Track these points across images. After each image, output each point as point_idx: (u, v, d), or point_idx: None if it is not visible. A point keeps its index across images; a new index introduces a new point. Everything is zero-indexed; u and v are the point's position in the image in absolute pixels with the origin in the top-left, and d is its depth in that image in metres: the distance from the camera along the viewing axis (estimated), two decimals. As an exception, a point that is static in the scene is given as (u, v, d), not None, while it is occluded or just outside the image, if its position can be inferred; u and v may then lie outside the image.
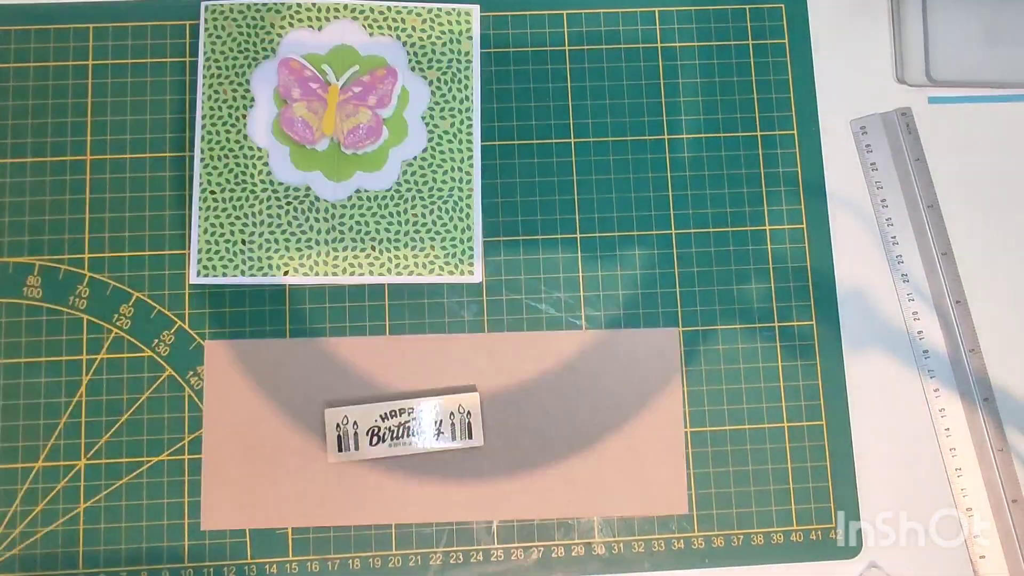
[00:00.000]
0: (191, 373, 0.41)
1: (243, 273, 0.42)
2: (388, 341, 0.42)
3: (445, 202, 0.43)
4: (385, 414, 0.40)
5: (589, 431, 0.41)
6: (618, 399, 0.42)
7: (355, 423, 0.40)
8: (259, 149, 0.43)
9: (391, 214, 0.42)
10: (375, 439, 0.40)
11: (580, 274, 0.43)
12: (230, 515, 0.40)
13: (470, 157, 0.43)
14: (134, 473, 0.40)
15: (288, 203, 0.42)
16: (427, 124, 0.43)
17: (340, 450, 0.40)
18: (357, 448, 0.40)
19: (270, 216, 0.42)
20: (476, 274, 0.42)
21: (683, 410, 0.42)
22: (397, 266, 0.42)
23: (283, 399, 0.41)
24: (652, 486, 0.41)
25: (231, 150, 0.42)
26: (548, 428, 0.41)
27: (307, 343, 0.41)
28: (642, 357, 0.42)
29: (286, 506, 0.40)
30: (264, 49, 0.43)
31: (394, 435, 0.40)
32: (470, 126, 0.43)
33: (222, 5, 0.43)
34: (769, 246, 0.43)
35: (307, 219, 0.42)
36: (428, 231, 0.42)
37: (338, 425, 0.40)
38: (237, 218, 0.42)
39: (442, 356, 0.41)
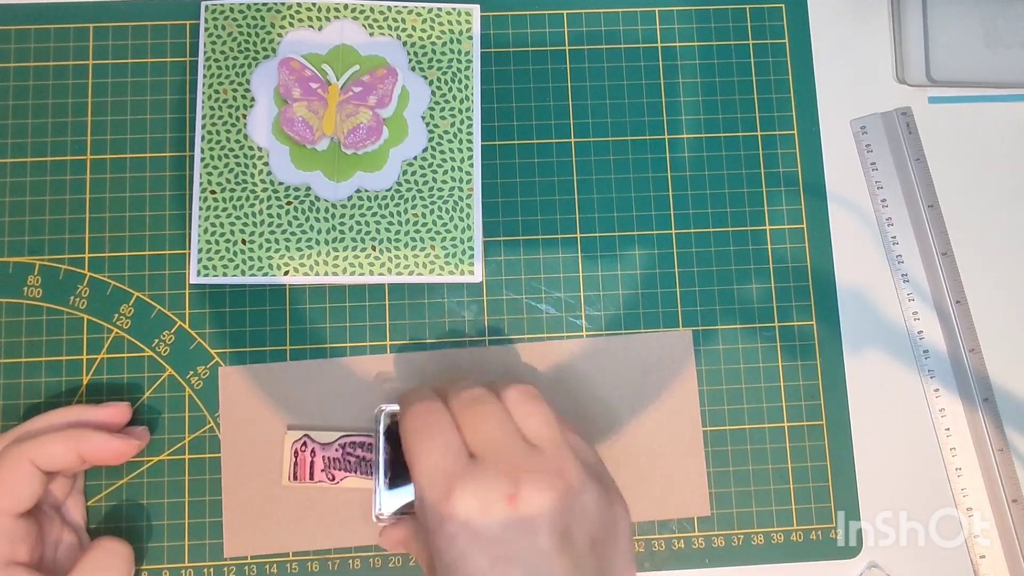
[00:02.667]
0: (191, 373, 0.41)
1: (243, 273, 0.42)
2: (407, 358, 0.41)
3: (445, 202, 0.43)
4: (347, 444, 0.39)
5: (606, 437, 0.41)
6: (634, 404, 0.41)
7: (313, 451, 0.39)
8: (259, 149, 0.43)
9: (391, 214, 0.42)
10: (332, 467, 0.39)
11: (580, 274, 0.43)
12: (252, 541, 0.40)
13: (470, 157, 0.43)
14: (134, 473, 0.40)
15: (288, 203, 0.42)
16: (427, 124, 0.43)
17: (295, 478, 0.39)
18: (312, 478, 0.39)
19: (270, 216, 0.42)
20: (476, 274, 0.42)
21: (700, 411, 0.42)
22: (397, 266, 0.42)
23: (300, 423, 0.41)
24: (673, 489, 0.41)
25: (231, 150, 0.42)
26: None
27: (322, 364, 0.41)
28: (656, 359, 0.42)
29: (309, 529, 0.40)
30: (264, 49, 0.43)
31: (351, 467, 0.39)
32: (470, 126, 0.43)
33: (222, 5, 0.44)
34: (769, 246, 0.43)
35: (307, 219, 0.42)
36: (428, 231, 0.42)
37: (296, 452, 0.39)
38: (237, 218, 0.42)
39: (456, 370, 0.41)
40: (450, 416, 0.34)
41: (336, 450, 0.39)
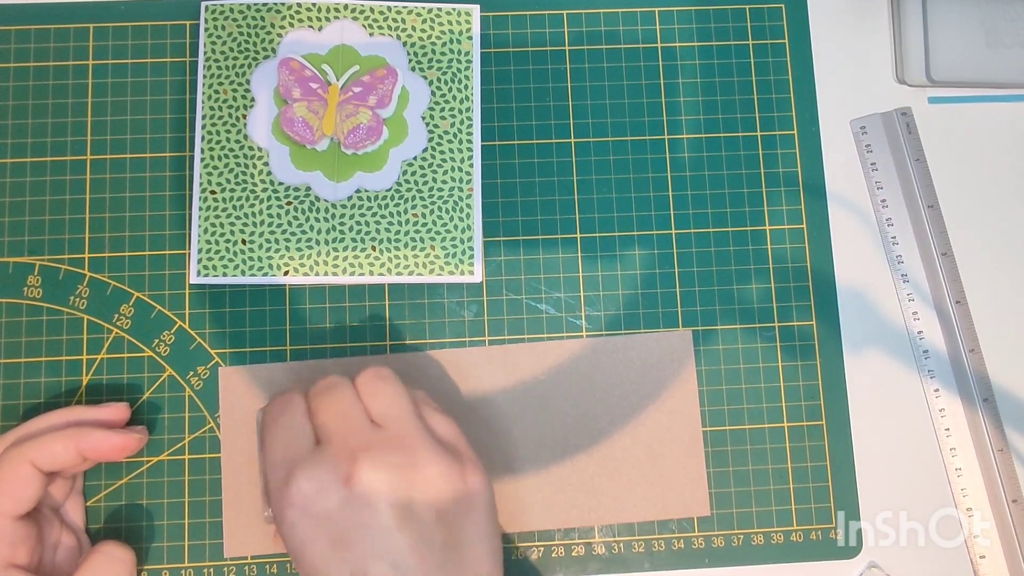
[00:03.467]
0: (191, 373, 0.41)
1: (243, 273, 0.42)
2: (403, 358, 0.41)
3: (445, 202, 0.43)
4: None
5: (606, 437, 0.41)
6: (634, 403, 0.41)
7: None
8: (259, 149, 0.43)
9: (391, 214, 0.42)
10: None
11: (580, 274, 0.43)
12: (252, 541, 0.40)
13: (470, 157, 0.43)
14: (134, 473, 0.40)
15: (288, 203, 0.42)
16: (427, 124, 0.43)
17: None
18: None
19: (270, 216, 0.42)
20: (476, 274, 0.42)
21: (700, 411, 0.42)
22: (397, 266, 0.42)
23: None
24: (673, 489, 0.41)
25: (231, 150, 0.42)
26: (565, 437, 0.41)
27: (322, 364, 0.41)
28: (656, 359, 0.42)
29: None
30: (264, 49, 0.43)
31: None
32: (470, 126, 0.43)
33: (222, 5, 0.44)
34: (769, 246, 0.43)
35: (307, 219, 0.42)
36: (428, 231, 0.42)
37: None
38: (237, 218, 0.42)
39: (456, 370, 0.41)
40: (303, 408, 0.34)
41: None
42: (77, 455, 0.36)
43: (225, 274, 0.42)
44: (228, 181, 0.42)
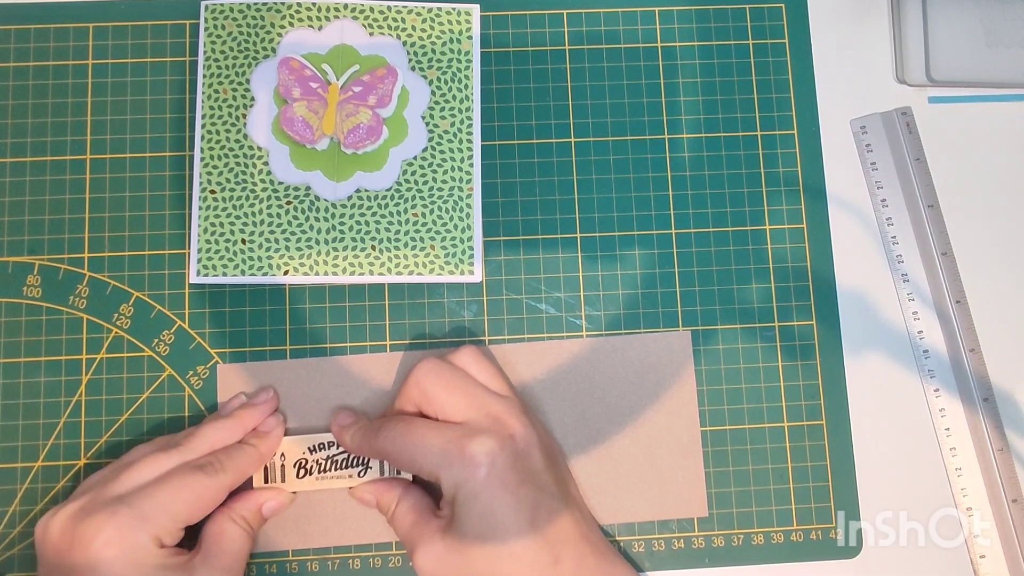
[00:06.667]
0: (191, 373, 0.41)
1: (243, 273, 0.42)
2: (400, 357, 0.41)
3: (445, 202, 0.43)
4: (313, 446, 0.39)
5: (604, 438, 0.41)
6: (632, 404, 0.41)
7: (282, 455, 0.39)
8: (259, 149, 0.43)
9: (391, 214, 0.42)
10: (302, 471, 0.39)
11: (580, 274, 0.43)
12: None
13: (470, 157, 0.43)
14: (134, 473, 0.40)
15: (288, 203, 0.42)
16: (427, 124, 0.43)
17: (265, 481, 0.39)
18: (283, 480, 0.39)
19: (270, 216, 0.42)
20: (476, 274, 0.42)
21: (699, 412, 0.42)
22: (397, 266, 0.42)
23: (297, 420, 0.41)
24: (671, 490, 0.41)
25: (231, 150, 0.42)
26: (564, 437, 0.41)
27: (321, 363, 0.41)
28: (654, 360, 0.42)
29: (309, 529, 0.40)
30: (264, 49, 0.43)
31: (321, 468, 0.39)
32: (470, 126, 0.43)
33: (222, 5, 0.43)
34: (769, 246, 0.43)
35: (307, 219, 0.42)
36: (428, 231, 0.42)
37: None
38: (237, 218, 0.42)
39: None
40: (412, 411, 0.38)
41: (304, 453, 0.39)
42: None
43: (225, 274, 0.42)
44: (228, 181, 0.42)
